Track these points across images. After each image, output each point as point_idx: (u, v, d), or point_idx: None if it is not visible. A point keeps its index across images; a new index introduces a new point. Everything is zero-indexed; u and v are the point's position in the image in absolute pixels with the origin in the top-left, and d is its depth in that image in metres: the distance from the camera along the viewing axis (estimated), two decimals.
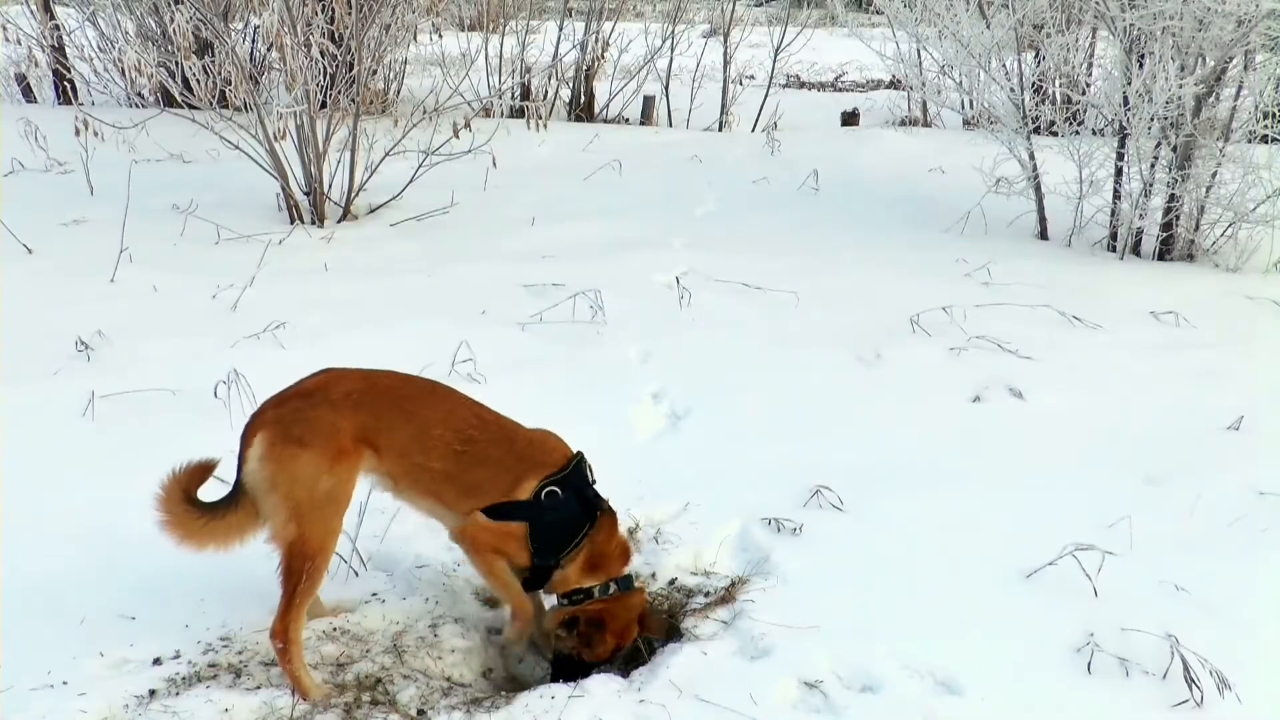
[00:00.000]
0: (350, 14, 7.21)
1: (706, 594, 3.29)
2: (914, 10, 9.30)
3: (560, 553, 2.92)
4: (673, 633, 3.08)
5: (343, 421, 2.74)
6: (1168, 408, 4.67)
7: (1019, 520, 3.67)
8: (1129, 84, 6.84)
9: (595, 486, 3.02)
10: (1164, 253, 7.16)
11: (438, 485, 2.89)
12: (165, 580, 3.11)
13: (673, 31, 11.92)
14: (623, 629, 2.98)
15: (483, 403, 3.04)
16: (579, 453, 3.00)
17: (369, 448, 2.81)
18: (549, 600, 3.11)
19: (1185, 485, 3.94)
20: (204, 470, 2.83)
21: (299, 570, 2.69)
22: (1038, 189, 7.65)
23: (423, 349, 4.88)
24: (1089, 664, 2.87)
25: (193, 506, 2.78)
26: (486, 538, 2.90)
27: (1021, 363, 5.12)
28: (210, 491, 2.86)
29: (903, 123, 12.04)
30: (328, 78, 7.29)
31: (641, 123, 11.91)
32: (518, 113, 10.96)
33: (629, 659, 3.14)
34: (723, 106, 11.92)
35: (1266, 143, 7.07)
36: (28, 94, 10.91)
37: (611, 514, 3.02)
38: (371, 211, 7.66)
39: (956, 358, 5.17)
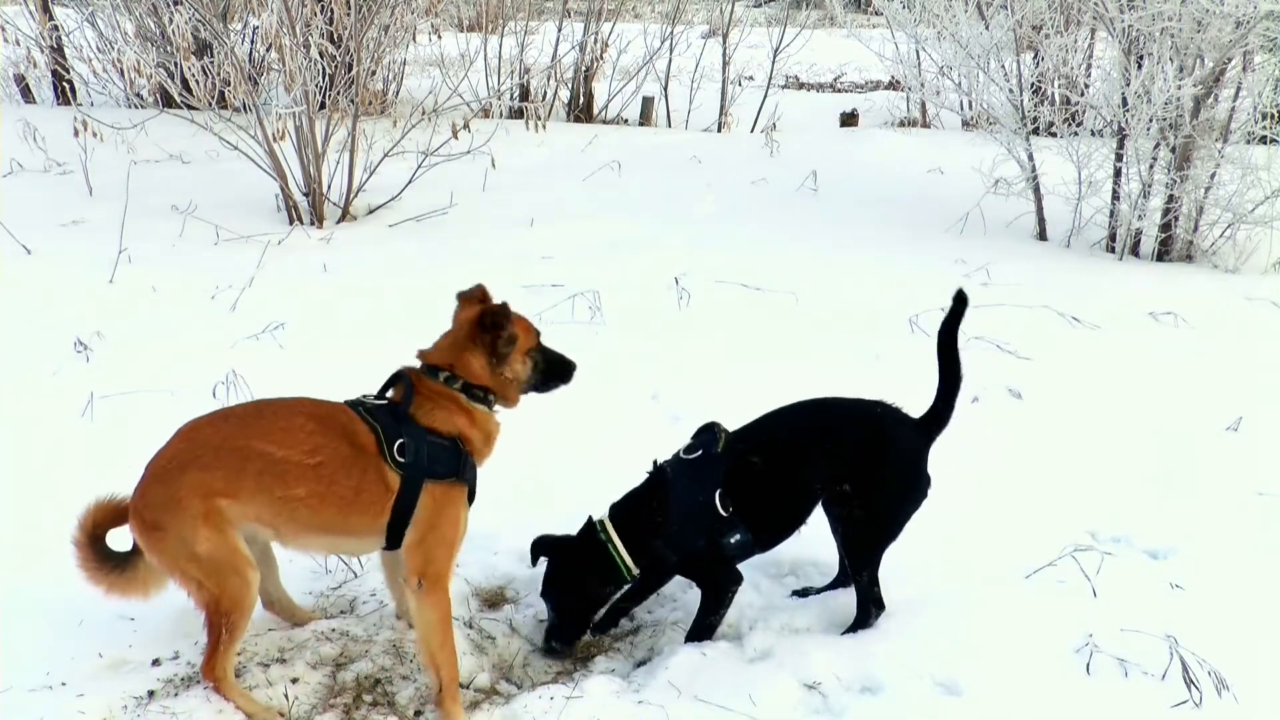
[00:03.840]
0: (349, 15, 7.22)
1: None
2: (913, 11, 9.32)
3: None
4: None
5: (179, 491, 2.59)
6: (1167, 408, 4.68)
7: (1019, 520, 3.67)
8: (1128, 85, 6.85)
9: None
10: (1163, 253, 7.17)
11: (315, 513, 2.67)
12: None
13: (671, 32, 11.92)
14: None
15: (308, 397, 2.82)
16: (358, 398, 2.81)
17: (224, 498, 2.61)
18: None
19: (1185, 485, 3.94)
20: (105, 513, 2.78)
21: (217, 625, 2.66)
22: (1036, 190, 7.66)
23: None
24: (1088, 664, 2.87)
25: (104, 557, 2.75)
26: (443, 557, 2.72)
27: (1020, 363, 5.12)
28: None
29: (902, 123, 12.04)
30: (326, 78, 7.29)
31: (640, 123, 11.91)
32: (517, 113, 10.96)
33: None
34: (722, 107, 11.91)
35: (1265, 144, 7.09)
36: (26, 95, 10.89)
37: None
38: (370, 212, 7.66)
39: None
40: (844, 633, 3.09)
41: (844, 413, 3.16)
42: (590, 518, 3.11)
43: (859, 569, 3.08)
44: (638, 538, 3.04)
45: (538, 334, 2.94)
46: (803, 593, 3.34)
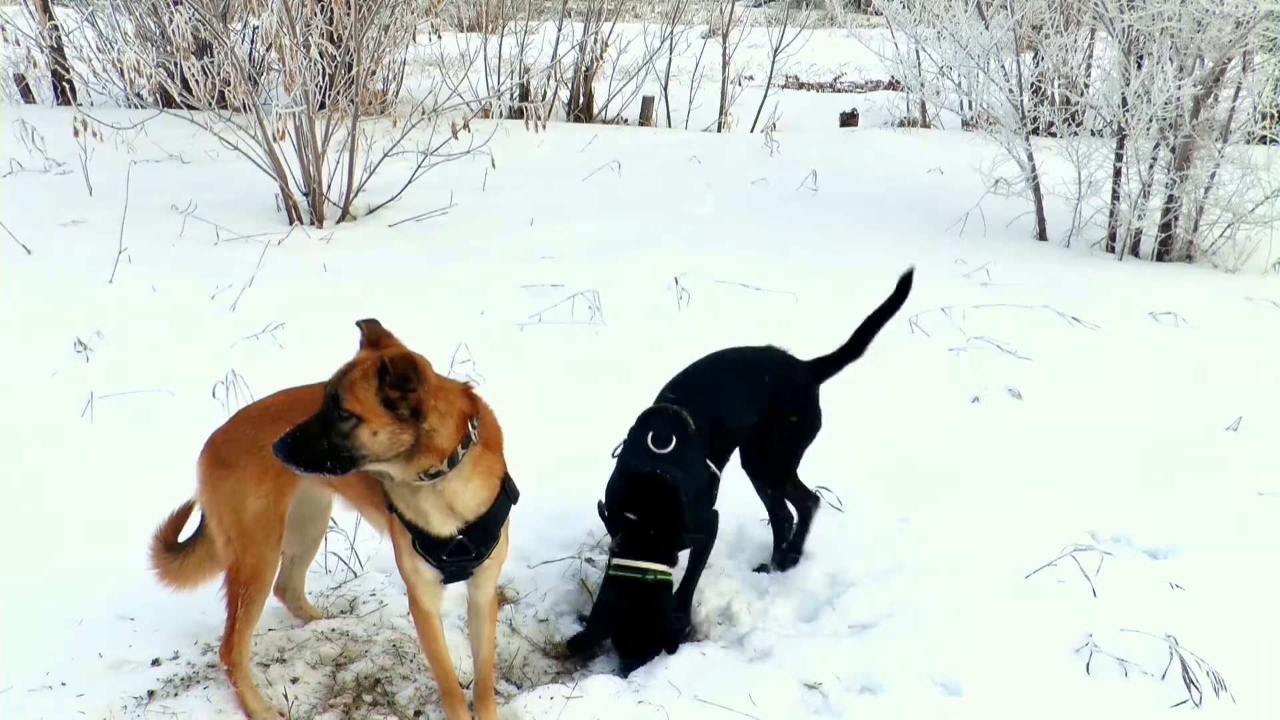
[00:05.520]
0: (349, 14, 7.21)
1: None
2: (912, 11, 9.31)
3: None
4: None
5: (265, 438, 2.53)
6: (1167, 408, 4.68)
7: (1019, 520, 3.67)
8: (1127, 85, 6.84)
9: None
10: (1162, 253, 7.17)
11: (348, 483, 2.62)
12: None
13: (671, 32, 11.92)
14: None
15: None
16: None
17: None
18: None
19: (1185, 485, 3.94)
20: (180, 518, 2.86)
21: (234, 597, 2.66)
22: (1036, 190, 7.65)
23: (421, 350, 4.87)
24: (1088, 664, 2.87)
25: (169, 551, 2.82)
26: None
27: (1020, 363, 5.12)
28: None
29: (901, 123, 12.03)
30: (326, 78, 7.29)
31: (640, 123, 11.91)
32: (517, 113, 10.95)
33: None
34: (721, 107, 11.91)
35: (1265, 144, 7.09)
36: (26, 95, 10.89)
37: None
38: (370, 212, 7.66)
39: (956, 358, 5.17)
40: (789, 545, 3.38)
41: (754, 359, 3.47)
42: (614, 575, 3.05)
43: (781, 485, 3.41)
44: (672, 547, 3.10)
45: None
46: (762, 569, 3.47)
